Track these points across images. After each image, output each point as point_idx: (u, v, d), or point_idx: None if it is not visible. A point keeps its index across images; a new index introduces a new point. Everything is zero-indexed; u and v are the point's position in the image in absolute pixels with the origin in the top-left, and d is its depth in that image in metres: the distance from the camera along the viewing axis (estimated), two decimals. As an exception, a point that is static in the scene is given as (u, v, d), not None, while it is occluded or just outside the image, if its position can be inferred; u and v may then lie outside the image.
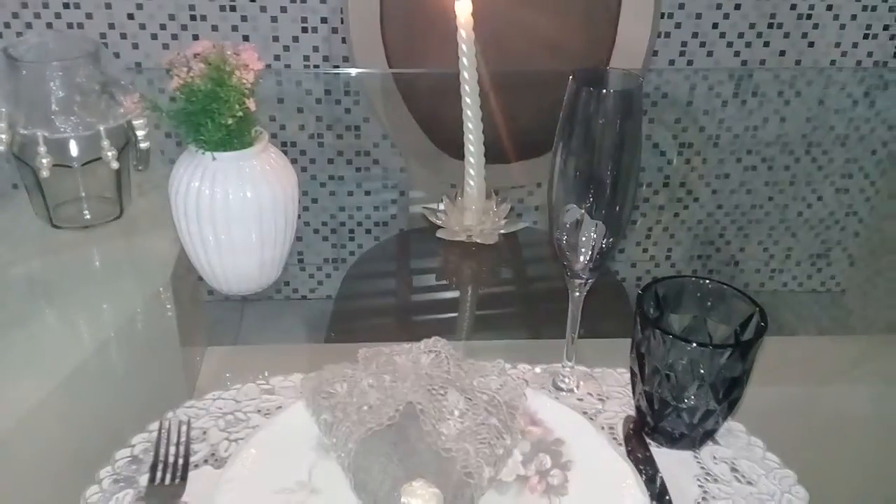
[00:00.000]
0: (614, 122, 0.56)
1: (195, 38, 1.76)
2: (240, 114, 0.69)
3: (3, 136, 0.81)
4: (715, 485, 0.60)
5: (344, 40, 1.75)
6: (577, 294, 0.64)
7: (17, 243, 0.85)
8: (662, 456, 0.61)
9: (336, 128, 1.24)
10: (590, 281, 0.63)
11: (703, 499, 0.59)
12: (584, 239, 0.60)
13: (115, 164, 0.82)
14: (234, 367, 0.75)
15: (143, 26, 1.72)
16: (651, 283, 0.62)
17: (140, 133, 0.83)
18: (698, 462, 0.61)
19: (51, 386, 0.67)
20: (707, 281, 0.62)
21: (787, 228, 1.13)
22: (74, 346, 0.73)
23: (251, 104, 0.70)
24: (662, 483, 0.58)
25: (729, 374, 0.57)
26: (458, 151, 1.11)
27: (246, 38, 1.75)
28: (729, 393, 0.58)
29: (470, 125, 0.82)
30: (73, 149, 0.82)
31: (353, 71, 1.40)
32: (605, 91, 0.55)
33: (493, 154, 0.88)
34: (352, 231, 1.02)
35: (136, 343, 0.77)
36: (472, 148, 0.83)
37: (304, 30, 1.73)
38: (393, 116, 1.33)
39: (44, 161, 0.80)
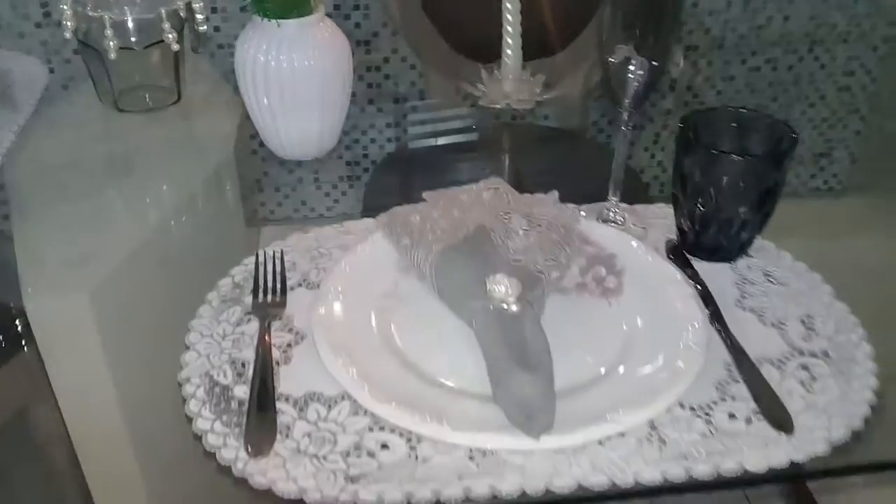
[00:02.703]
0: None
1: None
2: (303, -21, 0.75)
3: (69, 23, 0.86)
4: (752, 286, 0.67)
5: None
6: (625, 129, 0.71)
7: (87, 126, 0.91)
8: (702, 268, 0.69)
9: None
10: (636, 115, 0.70)
11: (743, 297, 0.66)
12: (631, 75, 0.67)
13: (175, 46, 0.88)
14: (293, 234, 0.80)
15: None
16: (690, 113, 0.68)
17: (199, 16, 0.89)
18: (735, 270, 0.69)
19: (120, 255, 0.73)
20: (741, 109, 0.69)
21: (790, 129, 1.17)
22: (149, 214, 0.80)
23: (313, -30, 0.75)
24: (704, 284, 0.66)
25: (764, 185, 0.65)
26: (474, 54, 1.14)
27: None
28: (763, 203, 0.66)
29: (507, -3, 0.87)
30: (135, 32, 0.88)
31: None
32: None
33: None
34: (365, 147, 1.06)
35: (203, 211, 0.84)
36: (509, 17, 0.89)
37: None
38: (408, 21, 1.35)
39: (111, 43, 0.85)
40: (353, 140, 0.98)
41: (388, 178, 1.01)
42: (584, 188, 0.89)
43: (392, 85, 1.19)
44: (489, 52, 0.97)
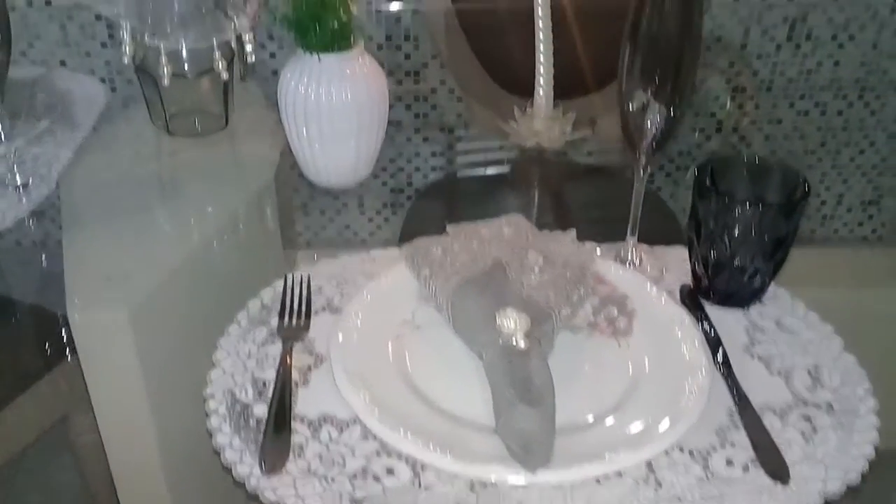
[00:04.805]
0: (679, 14, 0.64)
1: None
2: (344, 18, 0.79)
3: (127, 48, 0.92)
4: (762, 334, 0.69)
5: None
6: (643, 173, 0.73)
7: (139, 148, 0.96)
8: (715, 313, 0.70)
9: (396, 74, 1.30)
10: (654, 158, 0.72)
11: (752, 344, 0.68)
12: (649, 121, 0.69)
13: (225, 75, 0.93)
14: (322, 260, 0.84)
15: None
16: (707, 160, 0.70)
17: (248, 47, 0.94)
18: (747, 317, 0.70)
19: (160, 273, 0.78)
20: (756, 158, 0.71)
21: (839, 174, 1.16)
22: (191, 234, 0.85)
23: (353, 8, 0.79)
24: (715, 330, 0.68)
25: (776, 234, 0.66)
26: (515, 89, 1.17)
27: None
28: (776, 251, 0.67)
29: (541, 35, 0.90)
30: (188, 60, 0.93)
31: (414, 9, 1.46)
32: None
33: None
34: (409, 176, 1.08)
35: (242, 233, 0.88)
36: (542, 59, 0.92)
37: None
38: (454, 54, 1.39)
39: (165, 70, 0.90)
40: (398, 168, 1.02)
41: (427, 207, 1.05)
42: (615, 224, 0.90)
43: (438, 116, 1.22)
44: (529, 88, 1.00)
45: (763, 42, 1.43)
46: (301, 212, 0.95)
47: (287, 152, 0.93)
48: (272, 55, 1.16)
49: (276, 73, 1.16)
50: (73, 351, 0.72)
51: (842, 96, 1.27)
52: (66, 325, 0.72)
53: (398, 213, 1.01)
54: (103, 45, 1.26)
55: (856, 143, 1.20)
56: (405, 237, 0.98)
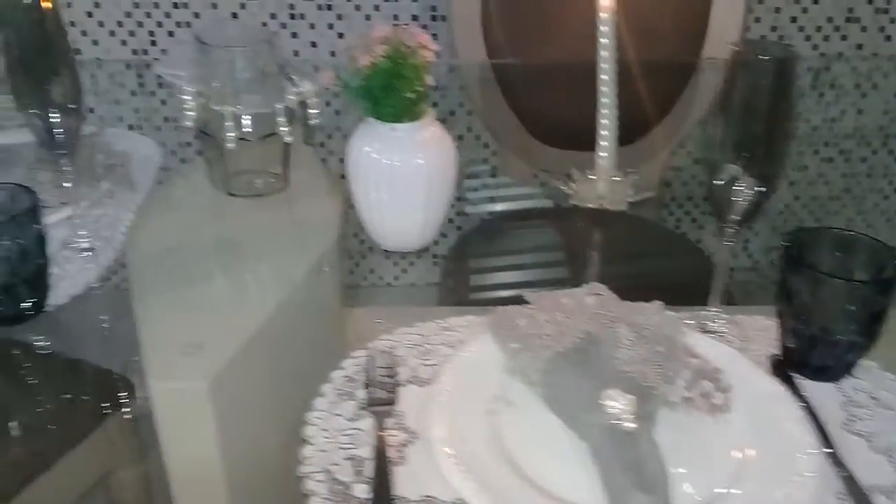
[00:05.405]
0: (774, 86, 0.64)
1: (294, 35, 1.88)
2: (420, 88, 0.79)
3: (192, 113, 0.92)
4: (859, 409, 0.68)
5: (434, 36, 1.85)
6: (728, 243, 0.73)
7: (200, 209, 0.96)
8: (808, 388, 0.69)
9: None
10: (741, 230, 0.72)
11: (850, 420, 0.66)
12: (738, 193, 0.69)
13: (289, 139, 0.93)
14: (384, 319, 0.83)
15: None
16: (795, 231, 0.70)
17: (312, 111, 0.93)
18: (840, 392, 0.69)
19: (235, 342, 0.76)
20: (846, 231, 0.70)
21: (864, 220, 1.17)
22: (260, 300, 0.84)
23: (429, 80, 0.80)
24: (811, 406, 0.66)
25: (872, 309, 0.65)
26: (550, 139, 1.17)
27: (341, 36, 1.86)
28: (871, 326, 0.66)
29: (604, 99, 0.91)
30: (251, 124, 0.93)
31: (450, 62, 1.48)
32: (767, 58, 0.64)
33: (586, 140, 0.97)
34: None
35: (308, 296, 0.87)
36: (604, 121, 0.92)
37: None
38: (487, 102, 1.41)
39: (230, 135, 0.90)
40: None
41: (465, 255, 1.05)
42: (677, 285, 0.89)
43: (465, 162, 1.23)
44: (564, 139, 1.00)
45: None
46: (358, 271, 0.95)
47: (346, 213, 0.92)
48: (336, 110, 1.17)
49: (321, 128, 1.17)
50: (121, 405, 0.72)
51: (865, 143, 1.30)
52: (117, 379, 0.72)
53: (423, 257, 1.01)
54: (133, 93, 1.26)
55: (880, 190, 1.22)
56: (444, 287, 0.97)
